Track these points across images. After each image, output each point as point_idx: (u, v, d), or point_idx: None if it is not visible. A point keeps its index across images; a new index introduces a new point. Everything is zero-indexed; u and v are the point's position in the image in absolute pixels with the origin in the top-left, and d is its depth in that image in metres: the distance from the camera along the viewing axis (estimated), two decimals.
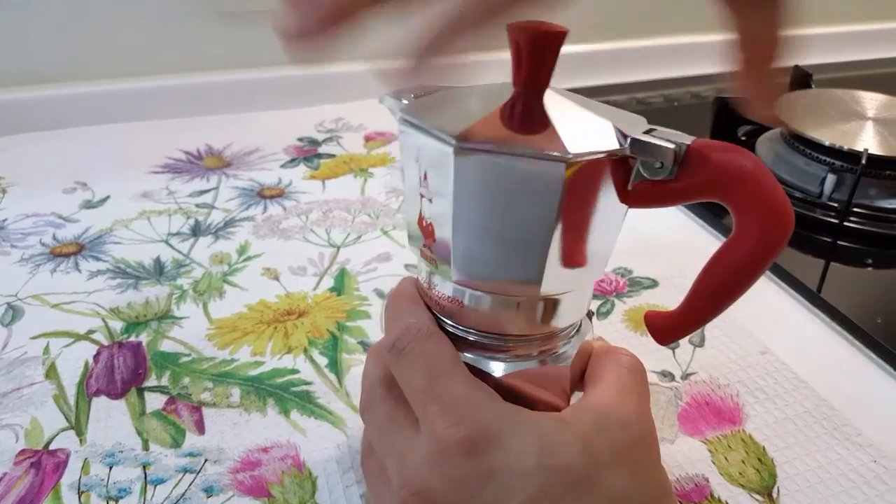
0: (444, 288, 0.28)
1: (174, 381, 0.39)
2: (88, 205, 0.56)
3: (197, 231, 0.53)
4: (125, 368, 0.40)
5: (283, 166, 0.63)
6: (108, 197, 0.57)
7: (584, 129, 0.25)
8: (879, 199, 0.56)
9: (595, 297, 0.47)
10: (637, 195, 0.26)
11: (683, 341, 0.43)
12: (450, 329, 0.29)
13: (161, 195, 0.58)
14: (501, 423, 0.25)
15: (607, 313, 0.45)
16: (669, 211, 0.58)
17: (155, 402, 0.38)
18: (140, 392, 0.38)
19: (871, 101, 0.65)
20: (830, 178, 0.55)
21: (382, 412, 0.28)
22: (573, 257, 0.27)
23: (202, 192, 0.58)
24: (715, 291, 0.27)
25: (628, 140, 0.25)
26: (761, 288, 0.49)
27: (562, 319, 0.29)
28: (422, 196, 0.27)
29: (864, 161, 0.53)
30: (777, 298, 0.48)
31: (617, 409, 0.26)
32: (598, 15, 0.87)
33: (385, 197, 0.58)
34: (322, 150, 0.67)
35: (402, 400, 0.27)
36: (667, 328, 0.29)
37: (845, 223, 0.53)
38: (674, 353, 0.42)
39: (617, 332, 0.44)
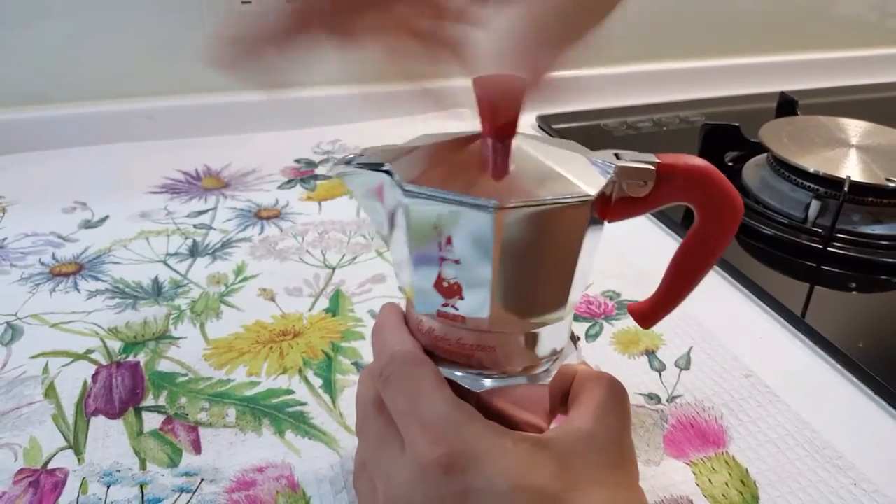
0: (471, 336, 0.29)
1: (171, 400, 0.40)
2: (87, 224, 0.57)
3: (195, 251, 0.54)
4: (123, 388, 0.41)
5: (280, 187, 0.64)
6: (107, 217, 0.58)
7: (572, 167, 0.28)
8: (862, 224, 0.57)
9: (583, 319, 0.48)
10: (617, 211, 0.30)
11: (669, 364, 0.44)
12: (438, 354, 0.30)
13: (159, 215, 0.59)
14: (480, 442, 0.26)
15: (596, 336, 0.46)
16: (657, 234, 0.59)
17: (152, 421, 0.39)
18: (138, 412, 0.39)
19: (856, 128, 0.66)
20: (815, 204, 0.57)
21: (374, 432, 0.29)
22: (579, 283, 0.30)
23: (200, 213, 0.59)
24: (686, 274, 0.33)
25: (614, 169, 0.28)
26: (747, 312, 0.50)
27: (557, 340, 0.31)
28: (443, 259, 0.28)
29: (846, 188, 0.55)
30: (762, 322, 0.49)
31: (596, 431, 0.27)
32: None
33: None
34: (318, 171, 0.68)
35: (391, 421, 0.28)
36: (647, 313, 0.34)
37: (829, 248, 0.55)
38: (660, 375, 0.43)
39: (605, 354, 0.45)
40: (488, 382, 0.30)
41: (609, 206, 0.29)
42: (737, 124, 0.66)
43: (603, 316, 0.48)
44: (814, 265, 0.55)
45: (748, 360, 0.45)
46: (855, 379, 0.44)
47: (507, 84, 0.26)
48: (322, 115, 0.77)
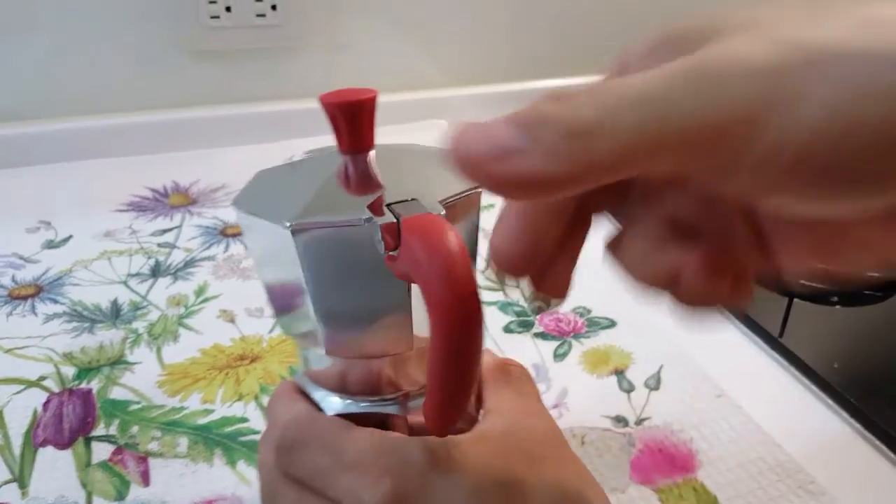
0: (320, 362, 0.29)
1: (122, 429, 0.39)
2: (50, 245, 0.56)
3: (157, 272, 0.53)
4: (74, 417, 0.39)
5: None
6: (70, 236, 0.57)
7: (405, 192, 0.25)
8: None
9: (552, 338, 0.47)
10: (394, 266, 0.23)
11: (639, 384, 0.43)
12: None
13: (124, 234, 0.58)
14: (421, 460, 0.25)
15: (564, 355, 0.45)
16: None
17: (102, 452, 0.37)
18: (87, 441, 0.38)
19: None
20: None
21: (290, 501, 0.27)
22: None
23: (165, 231, 0.58)
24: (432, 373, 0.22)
25: (367, 218, 0.24)
26: (720, 329, 0.49)
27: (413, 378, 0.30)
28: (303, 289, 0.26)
29: None
30: (735, 340, 0.48)
31: (519, 419, 0.28)
32: (567, 49, 0.88)
33: None
34: None
35: (305, 488, 0.26)
36: (435, 419, 0.24)
37: None
38: (629, 396, 0.42)
39: (573, 374, 0.44)
40: (393, 409, 0.29)
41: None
42: None
43: (572, 334, 0.47)
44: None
45: (720, 379, 0.44)
46: (829, 400, 0.42)
47: (357, 98, 0.25)
48: (295, 127, 0.76)
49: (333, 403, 0.29)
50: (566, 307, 0.50)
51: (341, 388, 0.29)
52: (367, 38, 0.78)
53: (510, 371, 0.31)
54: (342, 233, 0.24)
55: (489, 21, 0.83)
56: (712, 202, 0.20)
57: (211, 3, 0.68)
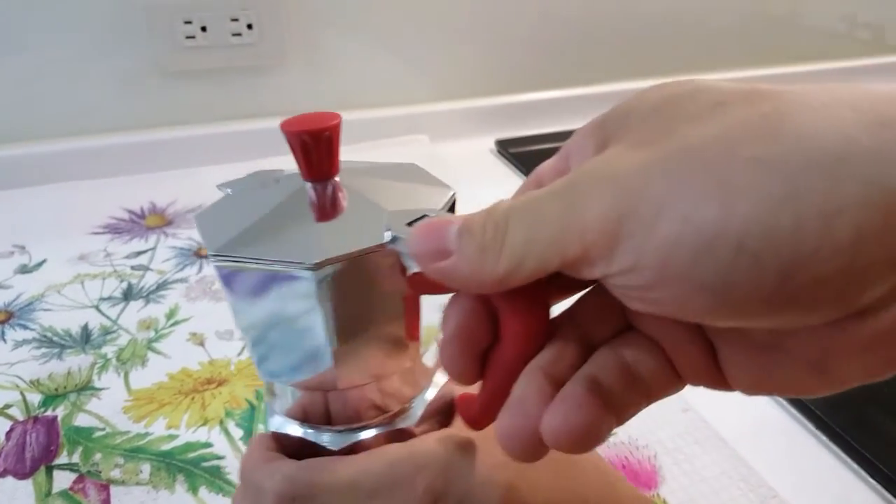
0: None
1: (85, 457, 0.38)
2: (24, 269, 0.56)
3: (129, 295, 0.53)
4: (37, 445, 0.39)
5: None
6: (44, 261, 0.57)
7: (357, 222, 0.24)
8: None
9: None
10: (416, 283, 0.24)
11: None
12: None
13: (98, 257, 0.58)
14: (440, 452, 0.25)
15: None
16: None
17: (63, 480, 0.37)
18: (49, 470, 0.38)
19: None
20: None
21: None
22: (369, 350, 0.26)
23: (139, 253, 0.58)
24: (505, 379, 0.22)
25: (390, 236, 0.23)
26: None
27: (390, 400, 0.28)
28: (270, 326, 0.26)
29: None
30: None
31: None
32: (539, 61, 0.88)
33: None
34: None
35: None
36: (476, 417, 0.24)
37: None
38: None
39: None
40: (363, 434, 0.28)
41: (400, 277, 0.24)
42: None
43: None
44: None
45: (687, 393, 0.43)
46: (795, 411, 0.42)
47: (319, 126, 0.25)
48: (274, 145, 0.76)
49: (323, 437, 0.28)
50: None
51: (325, 420, 0.28)
52: (346, 55, 0.78)
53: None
54: (363, 262, 0.24)
55: (469, 36, 0.84)
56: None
57: (186, 23, 0.68)
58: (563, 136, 0.63)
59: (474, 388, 0.24)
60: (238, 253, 0.24)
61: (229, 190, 0.29)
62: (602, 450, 0.39)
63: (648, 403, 0.21)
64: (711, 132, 0.16)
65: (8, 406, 0.42)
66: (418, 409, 0.29)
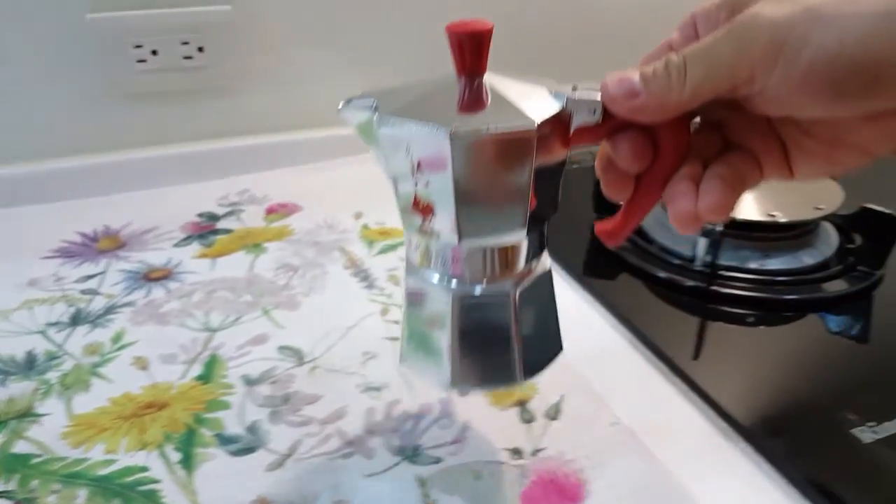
0: (446, 248, 0.34)
1: (22, 484, 0.39)
2: None
3: (77, 320, 0.53)
4: None
5: (176, 245, 0.64)
6: None
7: (531, 100, 0.32)
8: (752, 260, 0.58)
9: None
10: (577, 139, 0.33)
11: (540, 414, 0.44)
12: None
13: (48, 282, 0.58)
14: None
15: None
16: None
17: None
18: None
19: None
20: (702, 242, 0.57)
21: None
22: (545, 203, 0.34)
23: (89, 277, 0.59)
24: (655, 193, 0.34)
25: (566, 100, 0.32)
26: (621, 356, 0.50)
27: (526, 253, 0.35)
28: (416, 183, 0.32)
29: (720, 227, 0.55)
30: (637, 367, 0.49)
31: None
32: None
33: (273, 273, 0.59)
34: (220, 225, 0.68)
35: None
36: (613, 232, 0.36)
37: (712, 287, 0.55)
38: (528, 427, 0.43)
39: (477, 408, 0.44)
40: (470, 290, 0.35)
41: (568, 133, 0.33)
42: None
43: None
44: (698, 303, 0.55)
45: (618, 406, 0.45)
46: (723, 424, 0.44)
47: (470, 31, 0.31)
48: (229, 165, 0.77)
49: (454, 288, 0.35)
50: None
51: (461, 276, 0.35)
52: (303, 74, 0.79)
53: None
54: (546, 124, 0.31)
55: (427, 53, 0.85)
56: (754, 121, 0.32)
57: (136, 47, 0.69)
58: None
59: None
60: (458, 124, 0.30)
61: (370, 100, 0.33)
62: (532, 465, 0.40)
63: (746, 190, 0.32)
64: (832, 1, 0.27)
65: None
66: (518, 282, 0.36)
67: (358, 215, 0.70)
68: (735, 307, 0.55)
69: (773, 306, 0.55)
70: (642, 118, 0.31)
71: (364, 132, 0.33)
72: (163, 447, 0.41)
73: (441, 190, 0.31)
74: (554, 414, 0.44)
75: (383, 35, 0.82)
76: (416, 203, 0.33)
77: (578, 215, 0.67)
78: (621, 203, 0.35)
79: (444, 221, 0.32)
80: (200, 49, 0.71)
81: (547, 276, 0.37)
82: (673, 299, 0.56)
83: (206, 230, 0.67)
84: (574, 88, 0.32)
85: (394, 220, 0.68)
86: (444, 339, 0.35)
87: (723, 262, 0.58)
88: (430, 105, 0.31)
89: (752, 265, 0.58)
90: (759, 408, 0.45)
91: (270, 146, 0.79)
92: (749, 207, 0.59)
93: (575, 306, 0.56)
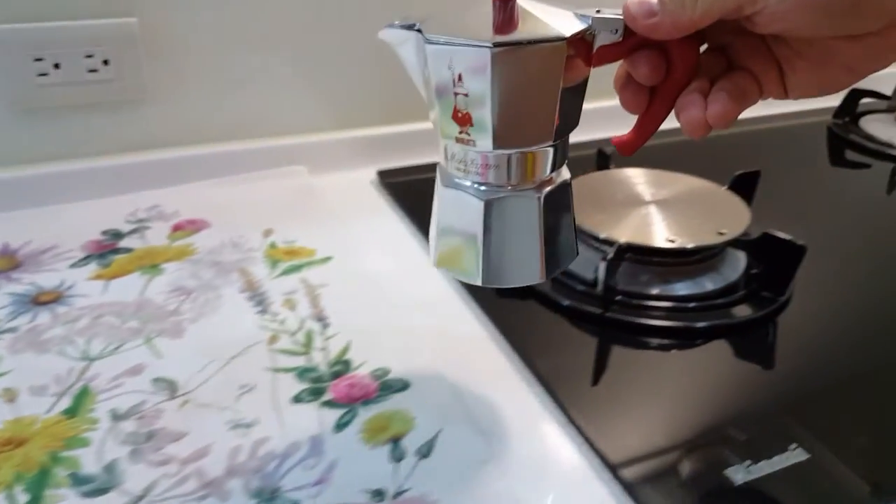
0: (480, 156, 0.39)
1: None
2: None
3: None
4: None
5: (73, 265, 0.62)
6: None
7: (559, 20, 0.37)
8: (651, 285, 0.57)
9: (339, 406, 0.46)
10: (598, 58, 0.38)
11: (411, 452, 0.43)
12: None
13: None
14: None
15: (346, 424, 0.45)
16: (454, 304, 0.58)
17: None
18: None
19: (656, 182, 0.67)
20: (601, 268, 0.56)
21: None
22: (569, 115, 0.40)
23: None
24: (668, 105, 0.39)
25: (591, 20, 0.37)
26: (511, 388, 0.49)
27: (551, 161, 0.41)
28: (456, 94, 0.37)
29: (610, 253, 0.55)
30: (521, 399, 0.48)
31: None
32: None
33: (165, 297, 0.57)
34: (123, 243, 0.66)
35: None
36: (630, 142, 0.41)
37: (608, 314, 0.55)
38: (397, 466, 0.42)
39: (349, 445, 0.43)
40: (501, 193, 0.40)
41: (591, 52, 0.38)
42: None
43: (361, 401, 0.47)
44: (597, 332, 0.55)
45: (497, 442, 0.44)
46: (597, 462, 0.43)
47: None
48: (137, 180, 0.75)
49: (486, 192, 0.40)
50: (366, 368, 0.50)
51: (492, 181, 0.40)
52: (213, 87, 0.78)
53: None
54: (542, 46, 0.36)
55: (348, 65, 0.84)
56: (754, 45, 0.38)
57: (37, 60, 0.67)
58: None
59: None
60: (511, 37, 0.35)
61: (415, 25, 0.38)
62: None
63: (748, 105, 0.38)
64: None
65: None
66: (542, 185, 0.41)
67: (268, 232, 0.68)
68: (631, 334, 0.54)
69: (670, 333, 0.55)
70: (658, 35, 0.36)
71: (404, 51, 0.39)
72: (11, 489, 0.40)
73: (480, 100, 0.36)
74: (426, 451, 0.43)
75: (294, 49, 0.80)
76: (455, 113, 0.38)
77: None
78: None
79: (481, 129, 0.37)
80: (106, 62, 0.69)
81: (567, 185, 0.43)
82: (572, 327, 0.55)
83: (107, 249, 0.65)
84: (598, 12, 0.37)
85: (305, 238, 0.67)
86: (476, 239, 0.41)
87: (623, 287, 0.57)
88: (469, 25, 0.36)
89: (654, 290, 0.57)
90: (637, 447, 0.44)
91: (184, 159, 0.77)
92: (650, 231, 0.58)
93: (473, 334, 0.55)
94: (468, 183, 0.40)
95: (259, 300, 0.58)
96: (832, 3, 0.32)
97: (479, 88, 0.36)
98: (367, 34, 0.82)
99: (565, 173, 0.43)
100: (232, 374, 0.49)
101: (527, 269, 0.42)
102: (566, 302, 0.56)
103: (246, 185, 0.77)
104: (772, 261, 0.59)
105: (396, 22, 0.38)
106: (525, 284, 0.42)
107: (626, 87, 0.40)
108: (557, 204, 0.42)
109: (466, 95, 0.36)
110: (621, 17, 0.37)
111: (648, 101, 0.40)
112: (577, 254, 0.44)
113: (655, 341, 0.54)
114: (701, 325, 0.55)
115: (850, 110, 1.00)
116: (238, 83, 0.79)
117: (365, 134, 0.86)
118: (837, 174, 0.91)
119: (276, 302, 0.57)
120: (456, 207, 0.41)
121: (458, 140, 0.38)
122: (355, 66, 0.84)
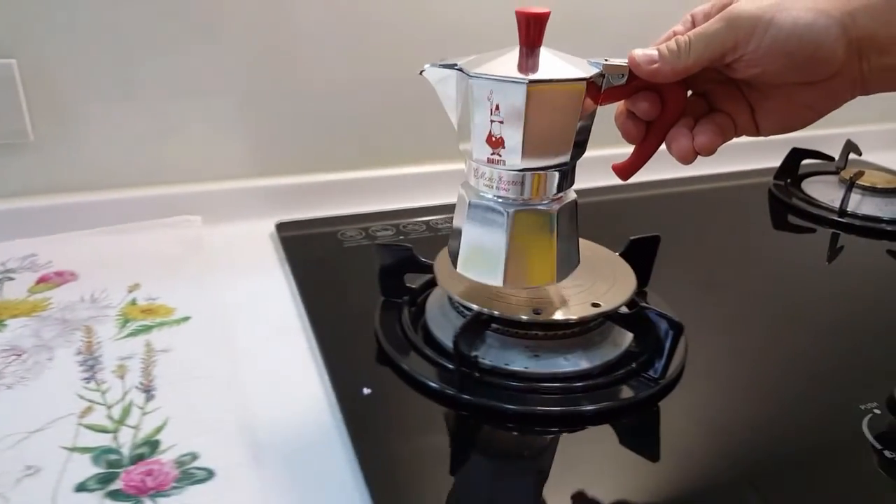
0: (507, 174, 0.48)
1: None
2: None
3: None
4: None
5: None
6: None
7: (575, 66, 0.46)
8: (518, 362, 0.52)
9: (125, 497, 0.41)
10: (606, 97, 0.47)
11: None
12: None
13: None
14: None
15: None
16: (308, 387, 0.53)
17: None
18: None
19: None
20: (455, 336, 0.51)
21: None
22: (581, 140, 0.48)
23: None
24: (659, 132, 0.48)
25: (602, 66, 0.46)
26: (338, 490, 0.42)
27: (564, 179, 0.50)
28: (492, 121, 0.45)
29: (468, 323, 0.50)
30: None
31: None
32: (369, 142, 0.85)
33: None
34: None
35: None
36: (627, 168, 0.51)
37: (463, 395, 0.49)
38: None
39: None
40: (523, 206, 0.49)
41: (600, 92, 0.47)
42: (409, 246, 0.60)
43: (152, 492, 0.42)
44: (450, 416, 0.49)
45: None
46: None
47: (535, 13, 0.45)
48: (22, 227, 0.71)
49: (509, 205, 0.49)
50: (172, 454, 0.45)
51: (515, 196, 0.49)
52: (104, 132, 0.74)
53: None
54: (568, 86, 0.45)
55: (248, 114, 0.80)
56: (730, 91, 0.47)
57: None
58: (347, 218, 0.76)
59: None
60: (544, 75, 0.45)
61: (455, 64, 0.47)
62: None
63: (727, 139, 0.46)
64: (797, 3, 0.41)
65: None
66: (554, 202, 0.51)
67: (133, 287, 0.64)
68: (486, 419, 0.49)
69: (521, 418, 0.49)
70: (658, 79, 0.44)
71: (444, 87, 0.47)
72: None
73: (512, 126, 0.45)
74: None
75: (197, 94, 0.77)
76: (489, 137, 0.46)
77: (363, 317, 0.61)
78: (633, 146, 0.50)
79: (511, 151, 0.46)
80: None
81: (575, 203, 0.52)
82: (429, 410, 0.50)
83: None
84: (606, 60, 0.46)
85: (169, 295, 0.63)
86: (498, 246, 0.49)
87: (488, 361, 0.52)
88: (502, 66, 0.45)
89: (516, 367, 0.52)
90: None
91: (70, 206, 0.74)
92: (518, 301, 0.53)
93: (317, 426, 0.50)
94: (493, 197, 0.49)
95: (91, 365, 0.53)
96: (795, 52, 0.41)
97: (513, 116, 0.44)
98: (265, 84, 0.78)
99: (572, 194, 0.51)
100: (24, 451, 0.44)
101: (543, 273, 0.50)
102: (435, 385, 0.51)
103: (130, 236, 0.73)
104: (649, 338, 0.54)
105: (438, 62, 0.47)
106: (542, 285, 0.52)
107: (627, 121, 0.49)
108: (568, 217, 0.51)
109: (501, 122, 0.45)
110: (626, 64, 0.45)
111: (645, 133, 0.48)
112: (579, 262, 0.53)
113: (508, 426, 0.49)
114: (555, 410, 0.49)
115: (791, 171, 0.95)
116: (139, 129, 0.75)
117: (270, 184, 0.82)
118: (773, 238, 0.86)
119: (108, 368, 0.53)
120: (482, 219, 0.49)
121: (489, 161, 0.47)
122: (254, 116, 0.80)
